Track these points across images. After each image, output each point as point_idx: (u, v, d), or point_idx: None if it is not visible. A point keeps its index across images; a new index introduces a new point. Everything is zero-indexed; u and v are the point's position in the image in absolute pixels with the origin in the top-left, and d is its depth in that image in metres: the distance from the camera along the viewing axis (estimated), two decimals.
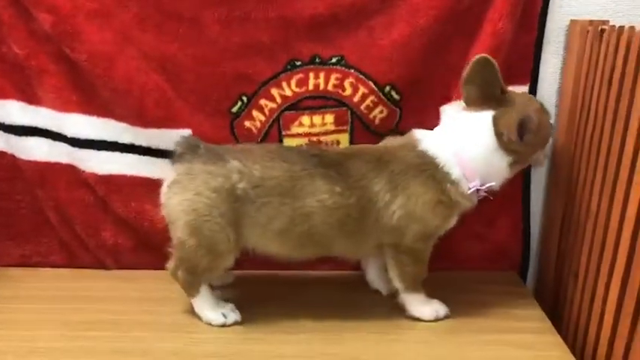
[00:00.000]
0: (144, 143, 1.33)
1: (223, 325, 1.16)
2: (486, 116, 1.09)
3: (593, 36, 1.14)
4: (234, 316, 1.18)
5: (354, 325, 1.17)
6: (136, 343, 1.10)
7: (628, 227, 0.95)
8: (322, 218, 1.11)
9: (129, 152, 1.34)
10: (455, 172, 1.11)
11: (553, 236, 1.31)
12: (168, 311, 1.22)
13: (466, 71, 1.11)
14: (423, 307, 1.18)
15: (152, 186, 1.35)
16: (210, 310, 1.18)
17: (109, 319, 1.19)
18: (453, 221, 1.16)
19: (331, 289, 1.33)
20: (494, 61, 1.09)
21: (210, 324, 1.17)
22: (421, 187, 1.11)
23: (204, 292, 1.18)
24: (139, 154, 1.34)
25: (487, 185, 1.11)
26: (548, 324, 1.17)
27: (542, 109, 1.14)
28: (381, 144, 1.23)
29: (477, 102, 1.11)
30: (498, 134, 1.08)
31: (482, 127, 1.09)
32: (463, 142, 1.11)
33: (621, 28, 1.02)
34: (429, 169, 1.11)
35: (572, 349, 1.11)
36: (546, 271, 1.34)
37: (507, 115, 1.07)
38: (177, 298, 1.25)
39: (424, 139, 1.15)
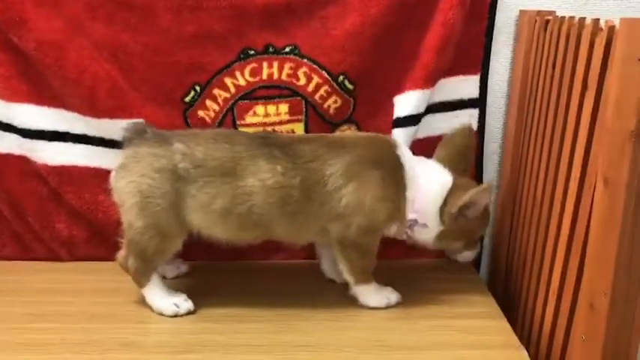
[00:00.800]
0: (96, 133, 1.32)
1: (176, 315, 1.16)
2: (448, 181, 1.16)
3: (540, 26, 1.16)
4: (186, 305, 1.17)
5: (307, 313, 1.17)
6: (89, 334, 1.09)
7: (568, 212, 0.97)
8: (263, 198, 1.11)
9: (81, 143, 1.33)
10: (409, 194, 1.14)
11: (505, 224, 1.33)
12: (122, 302, 1.21)
13: (447, 135, 1.25)
14: (374, 296, 1.19)
15: (105, 177, 1.33)
16: (162, 299, 1.18)
17: (62, 310, 1.18)
18: (392, 228, 1.17)
19: (285, 277, 1.33)
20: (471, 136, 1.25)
21: (161, 314, 1.16)
22: (376, 181, 1.12)
23: (155, 281, 1.18)
24: (92, 144, 1.33)
25: (420, 226, 1.17)
26: (498, 310, 1.18)
27: (487, 210, 1.20)
28: (345, 133, 1.27)
29: (444, 162, 1.20)
30: (444, 201, 1.14)
31: (443, 181, 1.16)
32: (425, 184, 1.15)
33: (563, 18, 1.04)
34: (391, 170, 1.13)
35: (521, 334, 1.13)
36: (498, 260, 1.37)
37: (464, 190, 1.13)
38: (131, 289, 1.24)
39: (402, 146, 1.18)
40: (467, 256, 1.27)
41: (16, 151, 1.34)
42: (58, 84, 1.27)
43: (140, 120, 1.23)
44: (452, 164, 1.19)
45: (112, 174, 1.17)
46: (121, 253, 1.19)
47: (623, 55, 0.79)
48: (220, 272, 1.35)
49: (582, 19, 0.96)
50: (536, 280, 1.11)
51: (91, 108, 1.29)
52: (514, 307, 1.24)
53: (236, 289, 1.27)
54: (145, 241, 1.14)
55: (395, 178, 1.13)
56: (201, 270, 1.36)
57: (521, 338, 1.10)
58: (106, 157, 1.33)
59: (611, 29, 0.84)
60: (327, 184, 1.11)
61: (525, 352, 1.04)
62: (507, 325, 1.13)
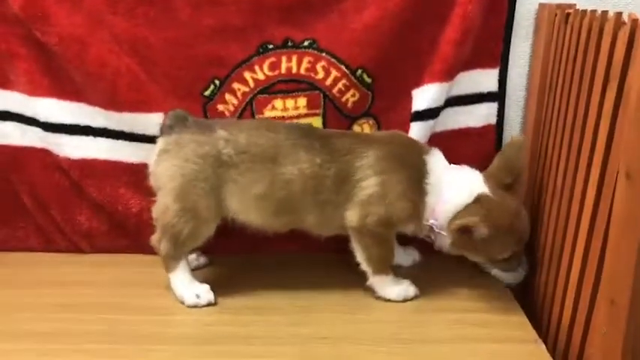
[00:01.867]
0: (117, 127, 1.34)
1: (195, 306, 1.18)
2: (471, 195, 1.15)
3: (560, 20, 1.16)
4: (207, 297, 1.19)
5: (324, 305, 1.18)
6: (110, 325, 1.11)
7: (588, 205, 0.96)
8: (299, 186, 1.15)
9: (102, 136, 1.35)
10: (430, 199, 1.17)
11: None
12: (142, 294, 1.23)
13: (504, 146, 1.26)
14: (391, 288, 1.20)
15: (126, 170, 1.36)
16: (185, 287, 1.19)
17: (84, 302, 1.19)
18: (410, 227, 1.20)
19: (301, 269, 1.34)
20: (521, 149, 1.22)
21: (182, 302, 1.18)
22: (401, 180, 1.15)
23: (183, 267, 1.20)
24: (113, 138, 1.35)
25: (438, 232, 1.18)
26: (515, 305, 1.18)
27: (509, 233, 1.15)
28: (379, 133, 1.31)
29: (491, 174, 1.19)
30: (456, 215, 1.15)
31: (466, 194, 1.15)
32: (447, 193, 1.16)
33: (584, 11, 1.03)
34: (416, 173, 1.17)
35: (539, 328, 1.13)
36: None
37: (480, 208, 1.13)
38: (152, 281, 1.27)
39: (434, 153, 1.20)
40: (501, 276, 1.24)
41: (39, 145, 1.36)
42: (80, 78, 1.29)
43: (180, 110, 1.25)
44: (498, 177, 1.18)
45: (152, 159, 1.21)
46: (155, 237, 1.22)
47: None
48: (237, 265, 1.36)
49: (605, 13, 0.95)
50: (555, 274, 1.11)
51: (112, 102, 1.30)
52: (532, 302, 1.23)
53: (253, 281, 1.28)
54: (180, 224, 1.17)
55: (418, 181, 1.16)
56: (219, 263, 1.37)
57: (539, 332, 1.10)
58: (127, 150, 1.35)
59: (635, 22, 0.83)
60: (356, 174, 1.15)
61: (543, 346, 1.04)
62: (525, 320, 1.13)
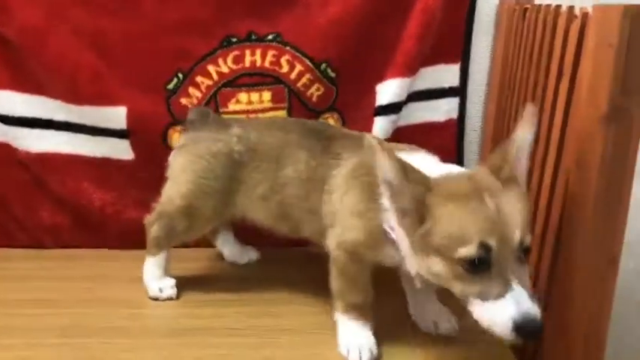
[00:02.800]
0: (78, 121, 1.32)
1: (156, 299, 1.18)
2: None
3: (519, 15, 1.18)
4: (169, 292, 1.18)
5: (287, 298, 1.18)
6: (73, 319, 1.10)
7: (544, 197, 0.99)
8: (293, 190, 1.08)
9: (63, 130, 1.33)
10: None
11: None
12: (106, 288, 1.22)
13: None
14: (346, 336, 0.99)
15: (89, 164, 1.35)
16: (153, 279, 1.20)
17: (46, 296, 1.18)
18: (381, 253, 0.95)
19: (267, 265, 1.34)
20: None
21: (146, 290, 1.19)
22: (360, 193, 0.97)
23: (160, 258, 1.20)
24: (74, 131, 1.33)
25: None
26: None
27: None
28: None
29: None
30: None
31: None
32: None
33: (540, 6, 1.06)
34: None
35: None
36: None
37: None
38: (116, 275, 1.27)
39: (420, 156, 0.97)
40: (484, 316, 0.79)
41: None
42: (40, 71, 1.27)
43: (204, 107, 1.27)
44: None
45: (172, 153, 1.21)
46: (150, 217, 1.21)
47: (596, 42, 0.81)
48: (202, 259, 1.36)
49: (558, 7, 0.97)
50: None
51: (73, 95, 1.29)
52: None
53: (218, 275, 1.28)
54: (178, 219, 1.16)
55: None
56: (183, 257, 1.36)
57: None
58: (89, 144, 1.34)
59: (585, 16, 0.86)
60: (328, 184, 1.03)
61: None
62: None
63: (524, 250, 0.79)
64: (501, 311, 0.76)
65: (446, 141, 1.38)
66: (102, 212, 1.37)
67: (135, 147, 1.33)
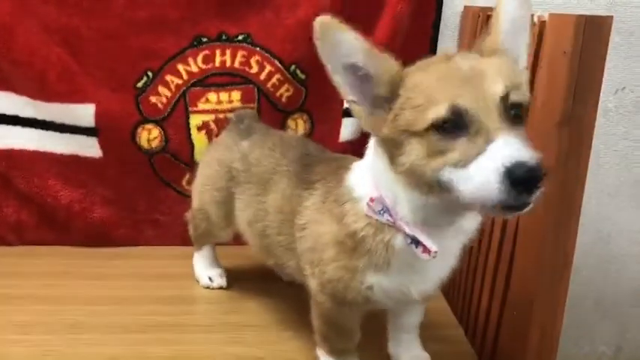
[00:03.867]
0: (46, 118, 1.31)
1: (208, 287, 1.22)
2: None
3: (482, 21, 1.21)
4: (219, 281, 1.23)
5: (254, 294, 1.20)
6: (35, 316, 1.10)
7: None
8: (270, 221, 0.98)
9: (30, 127, 1.32)
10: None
11: None
12: (71, 285, 1.22)
13: None
14: None
15: (56, 161, 1.35)
16: (201, 269, 1.24)
17: (8, 293, 1.18)
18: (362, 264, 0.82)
19: (236, 261, 1.34)
20: None
21: (197, 281, 1.24)
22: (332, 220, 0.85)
23: (205, 251, 1.24)
24: (41, 128, 1.32)
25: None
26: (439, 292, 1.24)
27: None
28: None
29: None
30: None
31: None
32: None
33: None
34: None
35: (460, 315, 1.19)
36: None
37: None
38: (80, 273, 1.27)
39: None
40: (466, 189, 0.67)
41: None
42: (7, 67, 1.26)
43: (252, 110, 1.27)
44: None
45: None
46: (188, 214, 1.25)
47: (551, 49, 0.84)
48: (172, 257, 1.36)
49: None
50: (475, 263, 1.17)
51: (41, 92, 1.28)
52: (454, 289, 1.29)
53: (187, 272, 1.29)
54: (197, 220, 1.19)
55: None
56: (156, 255, 1.37)
57: (460, 319, 1.15)
58: (56, 141, 1.33)
59: (542, 24, 0.89)
60: (299, 217, 0.91)
61: (462, 330, 1.10)
62: (446, 306, 1.19)
63: (514, 107, 0.68)
64: (485, 165, 0.64)
65: None
66: (68, 210, 1.36)
67: (103, 145, 1.33)
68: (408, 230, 0.76)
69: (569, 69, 0.81)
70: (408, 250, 0.77)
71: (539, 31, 0.90)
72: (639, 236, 1.52)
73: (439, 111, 0.67)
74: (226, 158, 1.10)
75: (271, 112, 1.34)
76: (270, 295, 1.19)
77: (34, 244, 1.39)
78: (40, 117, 1.32)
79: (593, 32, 0.79)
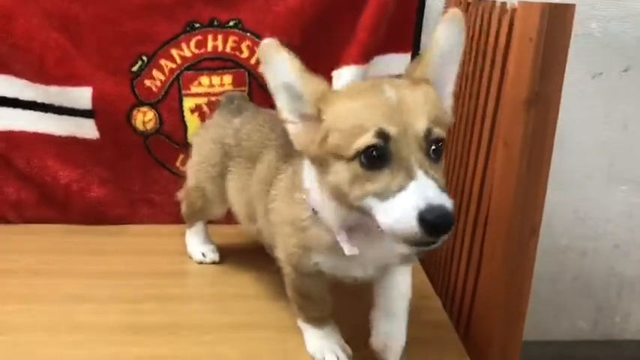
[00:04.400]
0: (45, 100, 1.37)
1: (201, 263, 1.28)
2: None
3: (464, 8, 1.27)
4: (212, 256, 1.28)
5: (245, 265, 1.26)
6: (34, 289, 1.16)
7: (479, 174, 1.08)
8: (255, 190, 1.03)
9: (30, 109, 1.38)
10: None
11: None
12: (69, 260, 1.28)
13: None
14: (311, 341, 0.99)
15: (54, 142, 1.40)
16: (194, 245, 1.30)
17: (9, 267, 1.23)
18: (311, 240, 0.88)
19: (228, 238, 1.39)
20: None
21: (190, 257, 1.29)
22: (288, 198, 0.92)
23: (198, 228, 1.30)
24: (40, 110, 1.38)
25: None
26: (419, 266, 1.30)
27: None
28: None
29: None
30: None
31: None
32: None
33: (479, 1, 1.15)
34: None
35: (440, 287, 1.26)
36: None
37: None
38: (78, 249, 1.33)
39: None
40: (387, 219, 0.71)
41: None
42: (7, 51, 1.31)
43: (241, 92, 1.33)
44: None
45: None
46: (180, 194, 1.31)
47: (520, 35, 0.90)
48: (166, 234, 1.42)
49: (494, 2, 1.07)
50: (453, 238, 1.23)
51: (40, 75, 1.33)
52: (433, 263, 1.35)
53: (181, 248, 1.34)
54: (192, 197, 1.24)
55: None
56: (148, 232, 1.43)
57: (439, 292, 1.22)
58: (55, 123, 1.38)
59: (514, 11, 0.95)
60: (273, 188, 0.97)
61: (440, 302, 1.16)
62: (425, 279, 1.25)
63: (434, 142, 0.73)
64: (404, 203, 0.68)
65: None
66: (67, 189, 1.42)
67: (100, 126, 1.38)
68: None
69: (534, 54, 0.87)
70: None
71: (511, 19, 0.96)
72: (614, 216, 1.59)
73: (366, 139, 0.71)
74: (219, 135, 1.16)
75: (261, 95, 1.39)
76: (261, 269, 1.23)
77: (34, 222, 1.44)
78: (39, 99, 1.37)
79: (556, 19, 0.85)
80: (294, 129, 0.81)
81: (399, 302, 0.96)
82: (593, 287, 1.65)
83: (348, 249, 0.82)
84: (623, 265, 1.63)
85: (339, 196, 0.76)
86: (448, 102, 0.82)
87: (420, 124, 0.71)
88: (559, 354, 1.68)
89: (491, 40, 1.05)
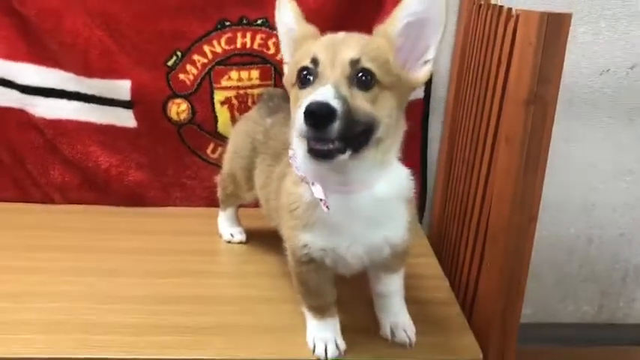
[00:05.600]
0: (88, 91, 1.49)
1: (229, 242, 1.41)
2: None
3: (475, 11, 1.35)
4: (239, 237, 1.41)
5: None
6: (77, 262, 1.29)
7: (484, 167, 1.17)
8: (272, 188, 1.10)
9: (75, 100, 1.50)
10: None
11: (443, 178, 1.54)
12: (108, 238, 1.41)
13: None
14: (311, 331, 1.04)
15: (96, 130, 1.53)
16: (224, 227, 1.42)
17: (54, 243, 1.37)
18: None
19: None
20: None
21: (220, 237, 1.42)
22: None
23: (229, 212, 1.41)
24: (84, 101, 1.50)
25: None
26: (430, 250, 1.41)
27: None
28: None
29: None
30: None
31: None
32: None
33: (489, 4, 1.23)
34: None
35: (449, 269, 1.35)
36: (436, 208, 1.58)
37: None
38: (116, 228, 1.46)
39: None
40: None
41: (16, 105, 1.50)
42: (55, 47, 1.43)
43: (282, 91, 1.36)
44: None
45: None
46: (217, 178, 1.41)
47: (521, 40, 0.99)
48: (197, 215, 1.54)
49: (501, 7, 1.15)
50: (461, 223, 1.33)
51: (84, 69, 1.45)
52: (443, 247, 1.45)
53: (210, 229, 1.46)
54: (225, 182, 1.36)
55: None
56: (181, 214, 1.55)
57: (447, 272, 1.32)
58: (97, 113, 1.51)
59: (517, 17, 1.03)
60: (282, 184, 1.03)
61: (447, 282, 1.27)
62: (436, 261, 1.36)
63: (362, 72, 0.82)
64: (303, 105, 0.77)
65: (414, 118, 1.56)
66: (107, 173, 1.54)
67: (137, 116, 1.50)
68: (310, 185, 0.89)
69: (533, 57, 0.95)
70: (321, 208, 0.88)
71: (515, 23, 1.04)
72: (619, 206, 1.66)
73: (302, 63, 0.85)
74: (252, 131, 1.26)
75: (286, 89, 1.50)
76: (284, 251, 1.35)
77: (77, 204, 1.58)
78: (82, 91, 1.49)
79: (553, 26, 0.93)
80: (286, 69, 0.94)
81: (395, 299, 1.07)
82: (598, 273, 1.73)
83: (317, 193, 0.88)
84: (627, 252, 1.71)
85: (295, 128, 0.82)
86: (423, 67, 0.90)
87: (348, 53, 0.83)
88: (565, 336, 1.77)
89: (498, 43, 1.13)
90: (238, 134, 1.32)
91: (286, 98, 1.32)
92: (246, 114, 1.40)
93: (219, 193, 1.41)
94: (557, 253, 1.70)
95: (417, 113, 1.57)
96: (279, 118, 1.23)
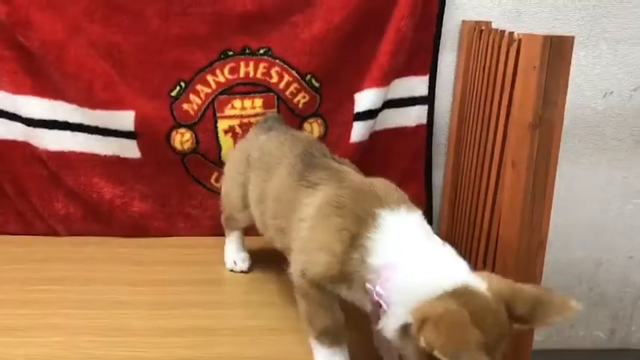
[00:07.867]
0: (92, 123, 1.49)
1: (232, 270, 1.39)
2: (453, 280, 0.83)
3: (477, 35, 1.36)
4: (241, 265, 1.38)
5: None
6: (82, 295, 1.27)
7: (491, 186, 1.17)
8: (269, 204, 1.13)
9: (78, 131, 1.50)
10: (374, 261, 0.89)
11: (450, 198, 1.53)
12: (112, 269, 1.39)
13: None
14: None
15: (99, 161, 1.52)
16: (228, 253, 1.40)
17: (59, 275, 1.35)
18: (341, 290, 0.95)
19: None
20: None
21: (224, 264, 1.40)
22: (332, 228, 0.94)
23: (234, 237, 1.40)
24: (88, 132, 1.50)
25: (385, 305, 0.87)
26: None
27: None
28: (352, 173, 1.08)
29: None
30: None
31: (433, 279, 0.84)
32: (411, 265, 0.87)
33: (491, 29, 1.24)
34: (356, 224, 0.92)
35: None
36: (444, 228, 1.57)
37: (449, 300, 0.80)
38: (121, 259, 1.44)
39: (399, 212, 0.93)
40: None
41: (20, 138, 1.51)
42: (59, 78, 1.44)
43: (277, 115, 1.45)
44: (503, 293, 0.83)
45: None
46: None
47: (524, 63, 0.99)
48: (201, 245, 1.53)
49: (502, 31, 1.15)
50: (468, 251, 1.31)
51: (88, 100, 1.46)
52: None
53: (215, 258, 1.45)
54: (223, 203, 1.37)
55: (356, 234, 0.91)
56: (185, 244, 1.54)
57: None
58: (100, 144, 1.51)
59: (519, 41, 1.04)
60: (300, 212, 1.02)
61: None
62: None
63: None
64: None
65: (417, 144, 1.56)
66: (111, 204, 1.54)
67: (141, 147, 1.50)
68: None
69: (537, 80, 0.95)
70: None
71: (518, 47, 1.04)
72: (627, 229, 1.65)
73: None
74: (247, 148, 1.30)
75: (289, 116, 1.50)
76: (289, 279, 1.34)
77: (81, 235, 1.56)
78: (86, 122, 1.49)
79: (557, 49, 0.93)
80: None
81: None
82: (608, 297, 1.71)
83: None
84: (637, 275, 1.69)
85: None
86: None
87: None
88: None
89: (501, 67, 1.13)
90: (234, 154, 1.36)
91: (280, 120, 1.39)
92: (242, 139, 1.41)
93: (222, 219, 1.41)
94: (566, 278, 1.68)
95: (420, 139, 1.56)
96: (272, 135, 1.27)
